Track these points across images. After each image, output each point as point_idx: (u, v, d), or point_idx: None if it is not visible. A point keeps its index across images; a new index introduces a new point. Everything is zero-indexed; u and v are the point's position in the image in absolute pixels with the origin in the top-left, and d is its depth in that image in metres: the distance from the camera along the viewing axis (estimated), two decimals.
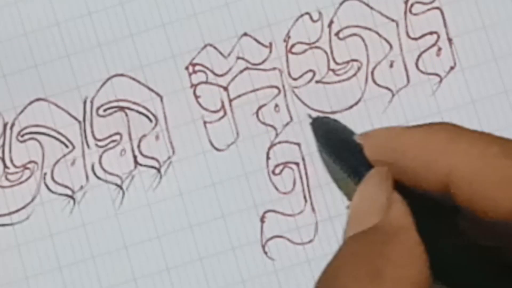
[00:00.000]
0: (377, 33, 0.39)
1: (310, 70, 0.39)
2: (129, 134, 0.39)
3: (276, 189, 0.38)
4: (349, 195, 0.37)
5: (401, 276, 0.28)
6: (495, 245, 0.28)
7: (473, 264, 0.29)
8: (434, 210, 0.30)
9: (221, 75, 0.39)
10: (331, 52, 0.39)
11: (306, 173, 0.38)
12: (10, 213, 0.38)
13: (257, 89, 0.39)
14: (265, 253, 0.38)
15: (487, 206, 0.28)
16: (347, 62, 0.39)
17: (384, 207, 0.30)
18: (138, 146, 0.39)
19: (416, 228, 0.29)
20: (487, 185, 0.28)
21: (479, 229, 0.29)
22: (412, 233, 0.29)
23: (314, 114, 0.38)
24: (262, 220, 0.38)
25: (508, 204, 0.28)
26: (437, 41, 0.39)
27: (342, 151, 0.34)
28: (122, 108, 0.39)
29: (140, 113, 0.39)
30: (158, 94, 0.39)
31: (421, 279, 0.28)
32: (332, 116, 0.38)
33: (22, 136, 0.39)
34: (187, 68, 0.39)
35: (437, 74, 0.39)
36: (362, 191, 0.31)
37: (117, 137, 0.39)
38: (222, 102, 0.39)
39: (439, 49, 0.39)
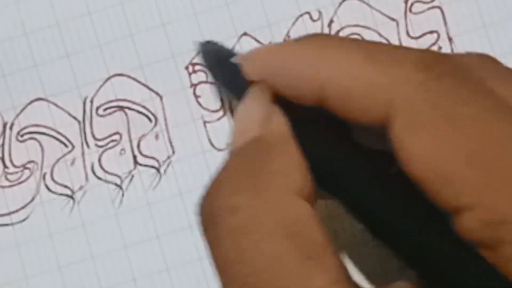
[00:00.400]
0: (377, 32, 0.39)
1: None
2: (129, 134, 0.39)
3: None
4: None
5: (281, 184, 0.28)
6: (381, 151, 0.28)
7: (360, 172, 0.29)
8: (321, 122, 0.30)
9: None
10: None
11: None
12: (9, 213, 0.38)
13: None
14: None
15: (358, 115, 0.28)
16: None
17: (263, 120, 0.30)
18: (138, 146, 0.39)
19: (296, 138, 0.29)
20: (355, 94, 0.28)
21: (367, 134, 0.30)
22: (290, 142, 0.29)
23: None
24: None
25: (377, 111, 0.28)
26: (437, 40, 0.39)
27: (230, 73, 0.33)
28: (121, 108, 0.39)
29: (140, 112, 0.39)
30: (158, 94, 0.39)
31: (302, 188, 0.28)
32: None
33: (22, 136, 0.39)
34: (187, 67, 0.39)
35: None
36: (242, 107, 0.31)
37: (116, 137, 0.39)
38: (222, 102, 0.39)
39: (439, 48, 0.39)
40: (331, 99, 0.29)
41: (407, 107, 0.27)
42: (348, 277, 0.27)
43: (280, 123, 0.30)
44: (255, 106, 0.31)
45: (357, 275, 0.37)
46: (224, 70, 0.34)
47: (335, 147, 0.30)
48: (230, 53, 0.34)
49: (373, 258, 0.37)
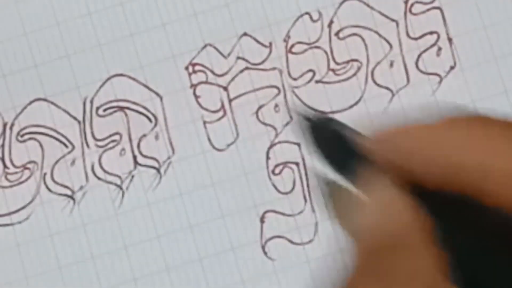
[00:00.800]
0: (377, 33, 0.39)
1: (310, 70, 0.39)
2: (129, 134, 0.39)
3: (276, 189, 0.38)
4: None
5: (418, 286, 0.26)
6: None
7: (501, 267, 0.27)
8: (454, 208, 0.28)
9: (221, 75, 0.39)
10: (331, 52, 0.39)
11: (306, 173, 0.38)
12: (10, 213, 0.38)
13: (257, 89, 0.39)
14: (265, 253, 0.38)
15: (499, 200, 0.26)
16: (347, 62, 0.39)
17: (398, 213, 0.27)
18: (138, 146, 0.39)
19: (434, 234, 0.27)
20: (498, 177, 0.25)
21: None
22: (428, 238, 0.26)
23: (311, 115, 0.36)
24: (262, 220, 0.38)
25: None
26: (437, 41, 0.39)
27: (337, 150, 0.30)
28: (121, 108, 0.39)
29: (140, 113, 0.39)
30: (158, 94, 0.39)
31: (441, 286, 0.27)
32: (332, 115, 0.38)
33: (22, 136, 0.39)
34: (187, 68, 0.39)
35: (437, 74, 0.39)
36: (372, 197, 0.27)
37: (116, 137, 0.39)
38: (222, 102, 0.39)
39: (439, 49, 0.39)
40: (468, 182, 0.26)
41: None
42: None
43: (414, 219, 0.27)
44: (388, 197, 0.27)
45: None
46: (331, 144, 0.30)
47: (479, 238, 0.27)
48: (338, 125, 0.30)
49: None
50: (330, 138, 0.30)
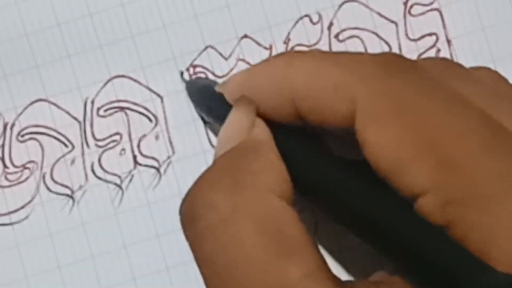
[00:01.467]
0: (377, 34, 0.39)
1: None
2: (129, 134, 0.39)
3: None
4: None
5: (261, 183, 0.29)
6: (359, 159, 0.30)
7: (337, 175, 0.30)
8: (298, 136, 0.32)
9: (222, 77, 0.39)
10: None
11: None
12: (9, 213, 0.38)
13: None
14: None
15: (327, 117, 0.30)
16: None
17: (246, 128, 0.32)
18: (138, 146, 0.39)
19: (276, 143, 0.31)
20: (321, 96, 0.30)
21: (342, 145, 0.31)
22: (270, 146, 0.31)
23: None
24: None
25: (343, 110, 0.29)
26: (436, 42, 0.39)
27: (212, 104, 0.36)
28: (122, 109, 0.39)
29: (141, 113, 0.39)
30: (158, 95, 0.39)
31: (280, 188, 0.30)
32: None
33: (22, 136, 0.39)
34: (187, 69, 0.39)
35: None
36: (227, 121, 0.33)
37: (117, 137, 0.39)
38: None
39: (438, 50, 0.39)
40: (302, 106, 0.30)
41: (367, 101, 0.28)
42: (326, 270, 0.28)
43: (262, 130, 0.32)
44: (238, 116, 0.32)
45: (337, 269, 0.37)
46: (209, 101, 0.35)
47: (313, 155, 0.31)
48: (212, 84, 0.36)
49: (355, 253, 0.37)
50: (203, 92, 0.35)
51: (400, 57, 0.31)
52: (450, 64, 0.33)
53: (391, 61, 0.30)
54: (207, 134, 0.39)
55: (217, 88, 0.35)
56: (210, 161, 0.38)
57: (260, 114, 0.32)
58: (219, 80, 0.39)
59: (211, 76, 0.39)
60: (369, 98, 0.28)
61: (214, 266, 0.28)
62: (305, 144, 0.31)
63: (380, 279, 0.29)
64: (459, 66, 0.33)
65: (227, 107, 0.33)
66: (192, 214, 0.29)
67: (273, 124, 0.32)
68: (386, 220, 0.28)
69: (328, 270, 0.28)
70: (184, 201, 0.30)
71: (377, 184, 0.29)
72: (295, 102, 0.30)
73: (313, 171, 0.31)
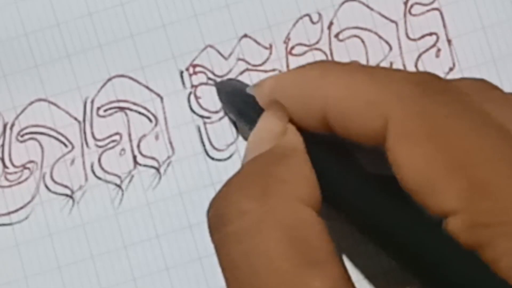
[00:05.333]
0: (377, 34, 0.39)
1: None
2: (129, 134, 0.39)
3: None
4: None
5: (290, 192, 0.29)
6: (386, 174, 0.30)
7: (364, 187, 0.30)
8: (328, 147, 0.31)
9: (222, 76, 0.39)
10: (331, 54, 0.39)
11: None
12: (9, 213, 0.38)
13: None
14: None
15: (358, 132, 0.30)
16: None
17: (278, 134, 0.31)
18: (138, 146, 0.39)
19: (307, 152, 0.31)
20: (354, 111, 0.30)
21: (369, 158, 0.31)
22: (302, 154, 0.31)
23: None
24: None
25: (375, 127, 0.29)
26: (436, 42, 0.39)
27: (242, 107, 0.35)
28: (122, 109, 0.39)
29: (140, 113, 0.39)
30: (158, 95, 0.39)
31: (309, 197, 0.30)
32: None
33: (22, 136, 0.39)
34: (187, 69, 0.39)
35: None
36: (259, 124, 0.33)
37: (117, 137, 0.39)
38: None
39: (438, 50, 0.39)
40: (332, 118, 0.30)
41: (400, 120, 0.29)
42: (350, 284, 0.28)
43: (294, 136, 0.31)
44: (270, 121, 0.32)
45: (358, 279, 0.37)
46: (239, 103, 0.35)
47: (342, 167, 0.31)
48: (244, 87, 0.35)
49: (375, 263, 0.37)
50: (233, 94, 0.35)
51: (435, 77, 0.31)
52: (486, 86, 0.33)
53: (427, 81, 0.30)
54: (207, 134, 0.39)
55: (248, 90, 0.35)
56: (210, 162, 0.39)
57: (290, 121, 0.32)
58: (218, 79, 0.39)
59: (211, 76, 0.39)
60: (403, 118, 0.29)
61: (238, 271, 0.28)
62: (335, 155, 0.31)
63: None
64: (496, 88, 0.33)
65: (258, 110, 0.33)
66: (220, 218, 0.30)
67: (303, 132, 0.32)
68: (413, 237, 0.28)
69: (352, 284, 0.28)
70: (212, 204, 0.31)
71: (405, 200, 0.29)
72: (326, 114, 0.30)
73: (342, 183, 0.31)
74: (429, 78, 0.30)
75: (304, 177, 0.30)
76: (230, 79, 0.39)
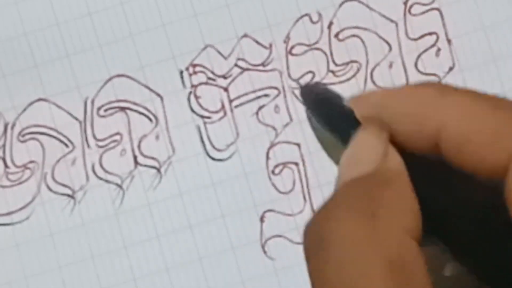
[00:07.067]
0: (377, 34, 0.39)
1: (310, 71, 0.39)
2: (130, 134, 0.39)
3: (276, 189, 0.38)
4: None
5: (395, 220, 0.27)
6: (491, 204, 0.28)
7: (466, 221, 0.29)
8: (426, 169, 0.30)
9: (221, 76, 0.39)
10: (331, 54, 0.39)
11: (305, 173, 0.38)
12: (10, 213, 0.38)
13: (257, 90, 0.39)
14: (265, 252, 0.38)
15: (476, 163, 0.28)
16: (347, 63, 0.39)
17: (380, 155, 0.29)
18: (138, 146, 0.39)
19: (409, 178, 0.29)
20: (477, 140, 0.28)
21: (474, 187, 0.30)
22: (406, 179, 0.29)
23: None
24: (261, 220, 0.38)
25: (498, 160, 0.27)
26: (436, 41, 0.39)
27: (333, 116, 0.33)
28: (122, 109, 0.39)
29: (141, 113, 0.39)
30: (158, 95, 0.39)
31: (413, 227, 0.28)
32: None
33: (23, 136, 0.39)
34: (187, 68, 0.39)
35: (436, 75, 0.39)
36: (357, 141, 0.30)
37: (117, 137, 0.39)
38: (222, 103, 0.39)
39: (438, 49, 0.39)
40: (448, 144, 0.28)
41: None
42: None
43: (397, 161, 0.29)
44: (371, 140, 0.30)
45: None
46: (329, 112, 0.33)
47: (442, 192, 0.29)
48: (334, 95, 0.34)
49: None
50: (320, 100, 0.33)
51: None
52: None
53: None
54: (207, 134, 0.39)
55: (347, 103, 0.32)
56: (210, 161, 0.39)
57: (390, 140, 0.30)
58: (218, 79, 0.39)
59: (211, 76, 0.39)
60: None
61: None
62: (437, 180, 0.29)
63: None
64: None
65: (354, 124, 0.31)
66: (320, 242, 0.27)
67: (404, 154, 0.30)
68: None
69: None
70: (310, 223, 0.28)
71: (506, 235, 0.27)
72: (440, 138, 0.28)
73: (446, 211, 0.29)
74: None
75: (409, 205, 0.28)
76: (317, 83, 0.38)
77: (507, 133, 0.27)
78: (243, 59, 0.39)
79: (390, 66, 0.39)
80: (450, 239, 0.29)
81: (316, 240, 0.27)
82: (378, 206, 0.27)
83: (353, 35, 0.39)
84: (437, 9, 0.39)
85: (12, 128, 0.39)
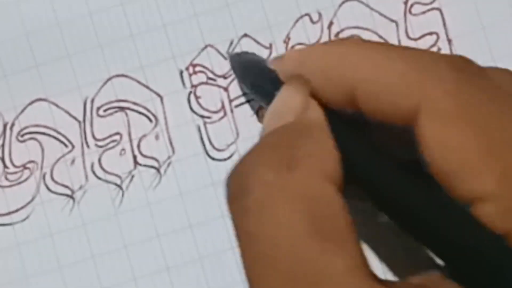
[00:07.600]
0: (377, 33, 0.39)
1: None
2: (129, 134, 0.39)
3: None
4: None
5: (315, 167, 0.28)
6: (409, 157, 0.29)
7: (387, 168, 0.30)
8: (348, 123, 0.31)
9: (221, 76, 0.39)
10: None
11: None
12: (9, 213, 0.38)
13: None
14: None
15: (388, 111, 0.29)
16: None
17: (300, 107, 0.30)
18: (138, 146, 0.39)
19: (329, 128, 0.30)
20: (385, 88, 0.29)
21: (391, 139, 0.31)
22: (326, 129, 0.30)
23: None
24: None
25: (407, 106, 0.28)
26: (436, 41, 0.39)
27: (259, 80, 0.34)
28: (122, 109, 0.39)
29: (140, 113, 0.39)
30: (158, 95, 0.39)
31: (332, 174, 0.28)
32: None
33: (22, 136, 0.39)
34: (187, 68, 0.39)
35: None
36: (279, 96, 0.31)
37: (117, 137, 0.39)
38: (222, 103, 0.39)
39: (439, 49, 0.39)
40: (362, 96, 0.29)
41: (435, 100, 0.28)
42: (368, 266, 0.27)
43: (317, 112, 0.30)
44: (292, 94, 0.31)
45: (379, 265, 0.37)
46: (255, 77, 0.34)
47: (364, 146, 0.30)
48: (260, 60, 0.35)
49: (399, 250, 0.37)
50: (247, 67, 0.34)
51: (470, 61, 0.30)
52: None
53: (463, 64, 0.30)
54: (207, 134, 0.39)
55: (270, 64, 0.33)
56: (210, 161, 0.39)
57: (311, 96, 0.31)
58: (218, 79, 0.39)
59: (211, 76, 0.39)
60: (438, 98, 0.28)
61: (255, 243, 0.27)
62: (356, 133, 0.31)
63: (422, 282, 0.29)
64: None
65: (278, 84, 0.32)
66: (240, 188, 0.28)
67: (324, 108, 0.31)
68: (436, 220, 0.28)
69: (369, 267, 0.27)
70: (231, 174, 0.29)
71: (428, 185, 0.28)
72: (355, 90, 0.30)
73: (364, 162, 0.30)
74: (464, 61, 0.30)
75: (328, 153, 0.29)
76: (245, 52, 0.38)
77: (414, 79, 0.29)
78: None
79: None
80: (372, 191, 0.30)
81: (237, 186, 0.28)
82: (297, 153, 0.28)
83: (354, 35, 0.39)
84: (438, 9, 0.39)
85: (11, 128, 0.39)
